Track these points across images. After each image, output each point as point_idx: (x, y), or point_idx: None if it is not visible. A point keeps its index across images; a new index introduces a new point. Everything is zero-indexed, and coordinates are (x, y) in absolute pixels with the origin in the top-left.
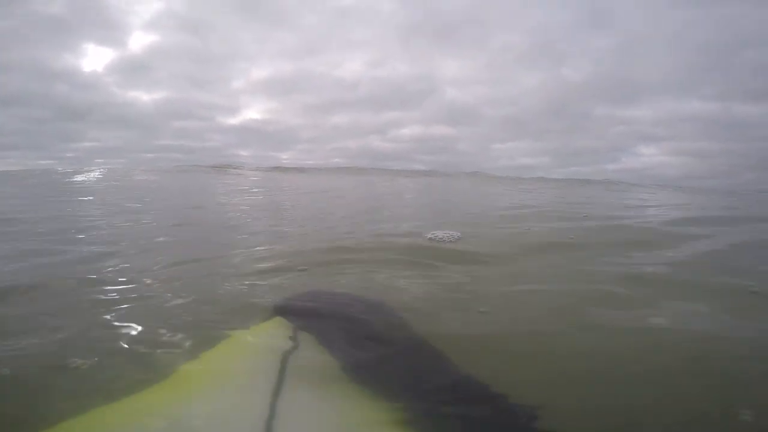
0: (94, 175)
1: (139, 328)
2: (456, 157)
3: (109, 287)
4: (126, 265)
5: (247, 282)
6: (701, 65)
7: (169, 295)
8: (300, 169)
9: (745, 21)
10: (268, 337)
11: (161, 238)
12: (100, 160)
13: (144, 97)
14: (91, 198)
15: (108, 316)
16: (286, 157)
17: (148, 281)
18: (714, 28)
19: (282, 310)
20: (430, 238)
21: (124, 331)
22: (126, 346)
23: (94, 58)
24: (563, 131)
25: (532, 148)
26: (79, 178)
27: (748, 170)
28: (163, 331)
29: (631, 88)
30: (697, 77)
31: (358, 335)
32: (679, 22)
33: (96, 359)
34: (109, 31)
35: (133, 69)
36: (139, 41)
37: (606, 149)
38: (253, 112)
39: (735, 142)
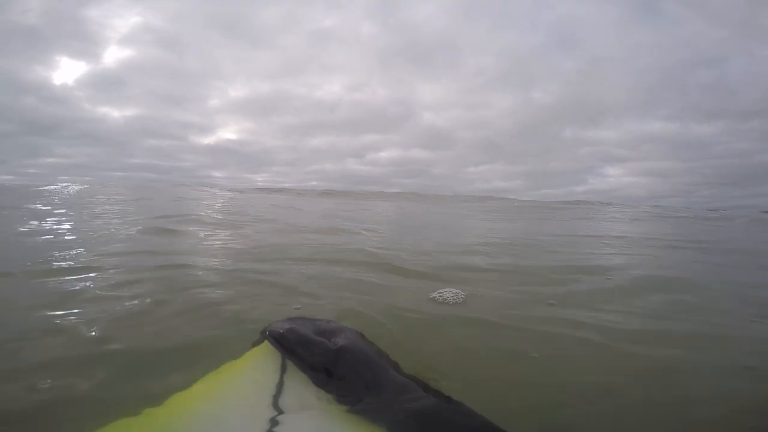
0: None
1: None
2: (432, 180)
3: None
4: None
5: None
6: (658, 86)
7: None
8: (280, 190)
9: (696, 41)
10: (259, 365)
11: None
12: (64, 177)
13: (114, 113)
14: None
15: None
16: (261, 179)
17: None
18: (669, 49)
19: (269, 336)
20: (433, 298)
21: (106, 354)
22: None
23: (65, 71)
24: (535, 154)
25: (505, 171)
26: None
27: (704, 187)
28: (149, 356)
29: (595, 109)
30: (655, 98)
31: (342, 364)
32: (638, 44)
33: (81, 388)
34: (85, 44)
35: (106, 84)
36: (113, 55)
37: (574, 171)
38: (228, 132)
39: (694, 161)
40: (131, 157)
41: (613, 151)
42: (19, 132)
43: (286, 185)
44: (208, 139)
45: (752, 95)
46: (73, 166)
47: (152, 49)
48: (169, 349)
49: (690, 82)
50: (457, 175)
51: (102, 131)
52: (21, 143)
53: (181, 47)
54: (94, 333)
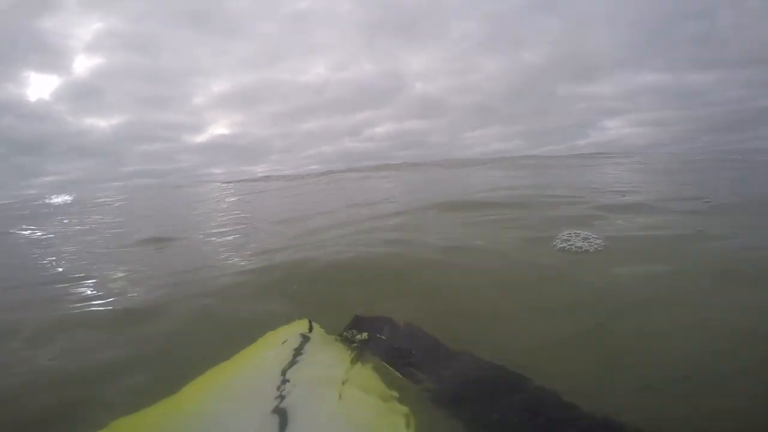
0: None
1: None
2: (430, 149)
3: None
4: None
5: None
6: (649, 39)
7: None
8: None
9: None
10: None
11: None
12: (64, 195)
13: (101, 123)
14: None
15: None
16: (261, 170)
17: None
18: (656, 3)
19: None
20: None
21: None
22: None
23: (38, 87)
24: (531, 113)
25: (503, 132)
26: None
27: (703, 134)
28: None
29: (587, 65)
30: (647, 50)
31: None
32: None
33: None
34: (49, 56)
35: (83, 94)
36: (83, 65)
37: (574, 126)
38: (219, 128)
39: (689, 109)
40: (126, 165)
41: (609, 105)
42: (7, 153)
43: (287, 172)
44: (201, 137)
45: (743, 46)
46: (69, 182)
47: (122, 54)
48: None
49: (680, 34)
50: (454, 142)
51: (91, 143)
52: (11, 165)
53: (153, 48)
54: None
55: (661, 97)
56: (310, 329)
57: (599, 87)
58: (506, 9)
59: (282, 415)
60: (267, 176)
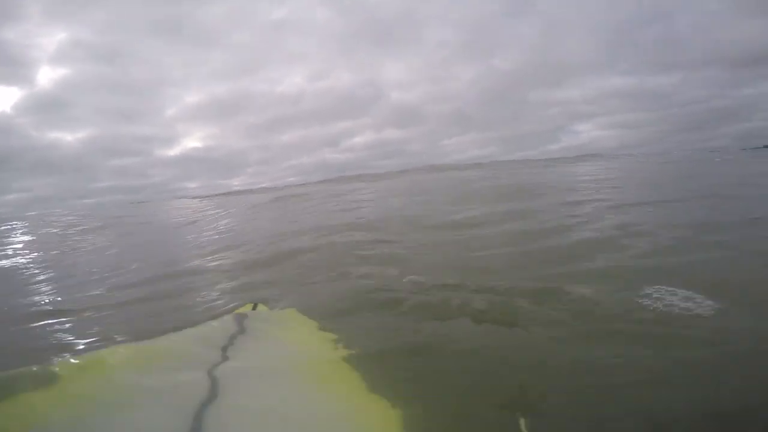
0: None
1: None
2: (411, 157)
3: None
4: None
5: None
6: (613, 43)
7: None
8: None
9: None
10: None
11: None
12: (32, 213)
13: (67, 137)
14: None
15: None
16: (237, 183)
17: None
18: (619, 7)
19: None
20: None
21: None
22: None
23: None
24: (505, 120)
25: (479, 139)
26: None
27: (672, 134)
28: None
29: (556, 71)
30: (611, 55)
31: None
32: (590, 3)
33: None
34: (11, 67)
35: (48, 107)
36: (47, 76)
37: (546, 131)
38: (193, 141)
39: (656, 110)
40: (97, 181)
41: (579, 109)
42: None
43: (264, 185)
44: (174, 151)
45: (701, 47)
46: (37, 200)
47: (89, 65)
48: None
49: (641, 37)
50: (433, 150)
51: (58, 158)
52: None
53: (121, 59)
54: None
55: (629, 99)
56: (254, 309)
57: (568, 92)
58: (479, 16)
59: (213, 384)
60: (249, 189)
